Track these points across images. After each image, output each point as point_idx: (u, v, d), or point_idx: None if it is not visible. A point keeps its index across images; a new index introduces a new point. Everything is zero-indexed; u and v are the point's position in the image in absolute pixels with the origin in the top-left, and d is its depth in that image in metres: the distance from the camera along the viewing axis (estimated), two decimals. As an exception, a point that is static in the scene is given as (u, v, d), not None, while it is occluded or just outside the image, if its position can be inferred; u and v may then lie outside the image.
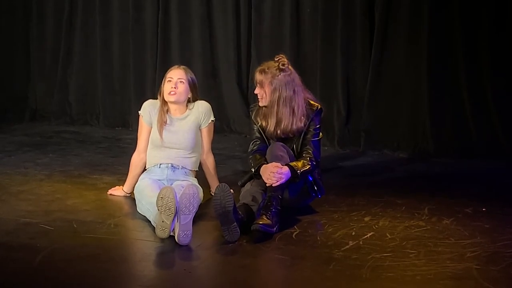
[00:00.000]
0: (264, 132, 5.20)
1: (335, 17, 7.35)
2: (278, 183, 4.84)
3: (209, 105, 5.49)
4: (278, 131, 5.11)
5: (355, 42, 7.34)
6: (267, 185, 4.87)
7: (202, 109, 5.43)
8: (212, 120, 5.50)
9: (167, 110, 5.36)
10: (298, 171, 4.94)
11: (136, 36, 8.15)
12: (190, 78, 5.36)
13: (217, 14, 7.95)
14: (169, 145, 5.34)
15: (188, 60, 7.94)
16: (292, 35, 7.59)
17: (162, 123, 5.32)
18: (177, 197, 4.57)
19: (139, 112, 5.48)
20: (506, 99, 6.86)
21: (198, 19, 7.97)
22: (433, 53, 6.98)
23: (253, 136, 5.27)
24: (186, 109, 5.41)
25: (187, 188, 4.62)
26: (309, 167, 5.04)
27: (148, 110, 5.41)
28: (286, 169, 4.89)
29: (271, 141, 5.19)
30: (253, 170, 5.04)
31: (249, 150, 5.23)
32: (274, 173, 4.84)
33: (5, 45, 8.52)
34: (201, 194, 5.15)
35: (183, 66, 5.43)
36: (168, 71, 5.41)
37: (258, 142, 5.21)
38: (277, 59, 5.12)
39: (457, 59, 6.96)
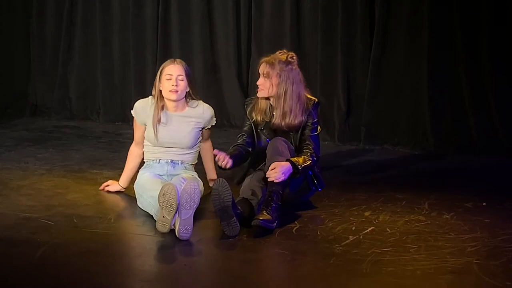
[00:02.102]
0: (256, 128, 5.19)
1: (335, 13, 7.35)
2: (280, 180, 4.83)
3: (212, 109, 5.42)
4: (283, 124, 5.10)
5: (355, 38, 7.34)
6: (268, 180, 4.87)
7: (207, 115, 5.35)
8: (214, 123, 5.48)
9: (163, 106, 5.28)
10: (299, 167, 4.93)
11: (136, 32, 8.15)
12: (188, 73, 5.27)
13: (217, 10, 7.95)
14: (167, 144, 5.27)
15: (188, 56, 7.94)
16: (292, 31, 7.59)
17: (155, 122, 5.22)
18: (179, 193, 4.57)
19: (132, 112, 5.39)
20: (506, 95, 6.86)
21: (198, 15, 7.97)
22: (433, 49, 6.98)
23: (242, 129, 5.28)
24: (186, 105, 5.35)
25: (188, 183, 4.61)
26: (310, 163, 5.03)
27: (140, 111, 5.31)
28: (287, 164, 4.88)
29: (262, 137, 5.17)
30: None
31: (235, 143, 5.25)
32: (276, 170, 4.82)
33: (6, 41, 8.51)
34: (201, 188, 5.14)
35: (178, 60, 5.32)
36: (164, 66, 5.27)
37: (244, 136, 5.22)
38: (282, 52, 5.12)
39: (457, 55, 6.96)
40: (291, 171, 4.89)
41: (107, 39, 8.30)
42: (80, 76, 8.47)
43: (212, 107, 5.48)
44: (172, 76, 5.21)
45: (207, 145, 5.53)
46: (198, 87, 7.65)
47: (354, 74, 7.42)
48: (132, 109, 5.40)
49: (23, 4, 8.55)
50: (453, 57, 6.98)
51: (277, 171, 4.82)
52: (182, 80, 5.23)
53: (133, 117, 5.43)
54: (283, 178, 4.84)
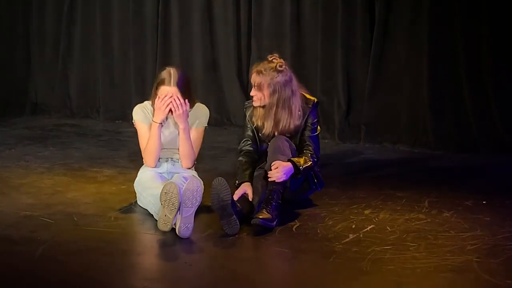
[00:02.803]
0: (257, 132, 5.17)
1: (335, 10, 7.35)
2: (281, 180, 4.83)
3: (207, 111, 5.31)
4: (276, 133, 5.06)
5: (355, 35, 7.33)
6: (269, 179, 4.85)
7: (199, 113, 5.24)
8: (205, 126, 5.31)
9: None
10: (301, 168, 4.92)
11: (136, 29, 8.14)
12: (183, 89, 5.05)
13: (217, 7, 7.94)
14: (167, 145, 5.21)
15: (188, 53, 7.94)
16: (292, 28, 7.58)
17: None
18: (181, 192, 4.57)
19: (133, 120, 5.23)
20: (506, 93, 6.86)
21: (198, 12, 7.96)
22: (434, 46, 6.97)
23: (245, 133, 5.22)
24: None
25: (191, 182, 4.61)
26: (311, 164, 5.02)
27: (142, 113, 5.20)
28: (289, 164, 4.88)
29: (264, 144, 5.14)
30: (236, 182, 5.01)
31: (239, 148, 5.22)
32: (278, 170, 4.81)
33: (6, 38, 8.50)
34: (202, 186, 5.12)
35: (174, 74, 5.01)
36: (160, 82, 5.02)
37: (249, 142, 5.18)
38: (271, 58, 5.02)
39: (458, 52, 6.95)
40: (292, 171, 4.88)
41: (107, 37, 8.29)
42: (80, 75, 8.47)
43: (212, 105, 5.43)
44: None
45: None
46: (198, 85, 7.66)
47: (354, 72, 7.41)
48: (131, 105, 5.31)
49: (23, 2, 8.54)
50: (453, 54, 6.96)
51: (279, 171, 4.81)
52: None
53: (134, 126, 5.25)
54: (284, 178, 4.84)
